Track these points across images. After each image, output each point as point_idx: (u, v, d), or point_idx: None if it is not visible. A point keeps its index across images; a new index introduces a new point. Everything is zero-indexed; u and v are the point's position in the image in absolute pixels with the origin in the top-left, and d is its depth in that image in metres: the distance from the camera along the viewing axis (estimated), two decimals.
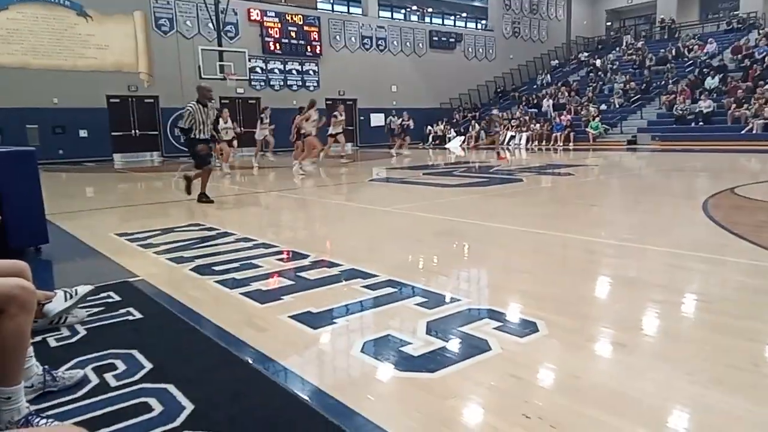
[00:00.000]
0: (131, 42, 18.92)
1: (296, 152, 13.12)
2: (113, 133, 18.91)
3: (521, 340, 2.50)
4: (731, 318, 2.75)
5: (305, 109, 12.29)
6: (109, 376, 2.22)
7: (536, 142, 22.62)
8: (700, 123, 18.69)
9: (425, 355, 2.35)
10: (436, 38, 27.84)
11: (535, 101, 26.24)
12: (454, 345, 2.47)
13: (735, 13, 28.11)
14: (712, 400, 1.95)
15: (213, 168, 7.98)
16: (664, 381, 2.09)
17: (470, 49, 29.48)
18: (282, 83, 22.68)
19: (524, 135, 23.37)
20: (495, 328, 2.63)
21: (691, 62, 24.17)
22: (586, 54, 30.77)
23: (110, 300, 3.20)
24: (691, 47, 25.38)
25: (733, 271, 3.67)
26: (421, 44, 27.40)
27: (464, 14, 30.90)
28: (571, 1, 33.16)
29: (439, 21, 29.58)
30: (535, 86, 29.02)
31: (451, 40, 28.58)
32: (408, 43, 27.00)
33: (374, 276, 3.53)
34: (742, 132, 16.97)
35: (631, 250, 4.33)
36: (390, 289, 3.26)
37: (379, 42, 25.95)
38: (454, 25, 30.17)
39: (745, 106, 17.86)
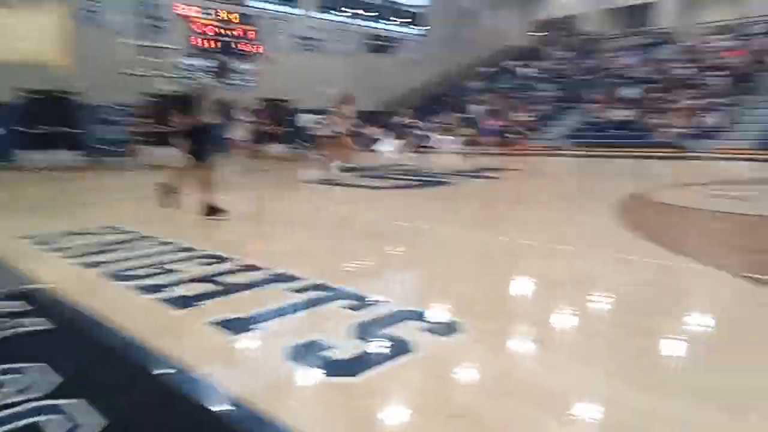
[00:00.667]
0: (51, 34, 17.74)
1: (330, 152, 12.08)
2: (24, 130, 17.62)
3: (445, 341, 2.54)
4: (640, 316, 2.92)
5: (338, 103, 11.51)
6: (11, 392, 2.05)
7: (466, 147, 23.19)
8: (619, 130, 19.85)
9: (350, 359, 2.34)
10: (372, 41, 28.02)
11: (465, 107, 26.93)
12: (379, 347, 2.48)
13: (651, 28, 30.07)
14: (623, 395, 2.05)
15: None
16: (585, 380, 2.19)
17: (406, 54, 29.86)
18: (215, 82, 22.01)
19: (454, 139, 23.91)
20: (420, 330, 2.65)
21: (611, 73, 25.62)
22: (514, 62, 31.92)
23: (15, 310, 2.98)
24: (611, 59, 26.91)
25: (642, 271, 3.90)
26: (356, 47, 27.48)
27: (400, 19, 31.26)
28: (499, 11, 34.31)
29: (376, 24, 29.77)
30: (466, 92, 29.79)
31: (388, 44, 28.87)
32: (343, 45, 27.00)
33: (301, 279, 3.48)
34: (656, 140, 18.16)
35: (550, 250, 4.52)
36: (317, 293, 3.23)
37: (315, 43, 25.78)
38: (389, 29, 30.45)
39: (660, 115, 19.15)
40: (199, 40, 21.39)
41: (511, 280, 3.71)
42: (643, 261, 4.13)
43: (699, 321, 2.95)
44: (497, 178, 10.89)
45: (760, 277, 3.46)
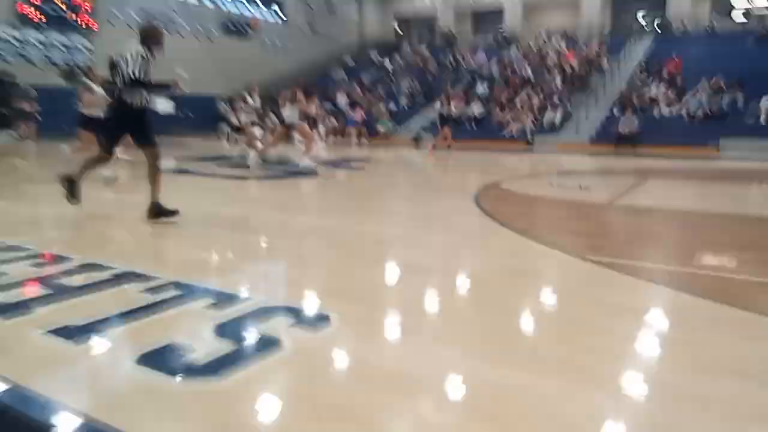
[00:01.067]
0: None
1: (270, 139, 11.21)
2: None
3: (314, 335, 2.46)
4: (496, 298, 3.09)
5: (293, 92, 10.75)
6: None
7: (331, 136, 23.24)
8: (473, 125, 21.17)
9: (213, 361, 2.17)
10: (230, 24, 26.78)
11: (331, 96, 26.94)
12: (245, 346, 2.34)
13: (501, 30, 32.47)
14: (490, 373, 2.14)
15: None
16: (446, 359, 2.25)
17: (266, 39, 29.02)
18: (44, 58, 19.51)
19: (321, 128, 23.82)
20: (288, 325, 2.55)
21: (465, 70, 27.21)
22: (377, 54, 32.57)
23: None
24: (465, 56, 28.58)
25: (498, 255, 4.16)
26: (213, 28, 26.10)
27: (259, 3, 30.26)
28: (362, 4, 34.77)
29: (233, 7, 28.50)
30: (331, 81, 29.79)
31: (246, 27, 27.79)
32: (199, 26, 25.49)
33: (155, 278, 3.18)
34: (505, 134, 19.65)
35: (415, 239, 4.64)
36: (174, 292, 2.97)
37: (166, 21, 23.99)
38: (250, 12, 29.36)
39: (507, 111, 20.74)
40: (27, 9, 18.81)
41: (378, 269, 3.74)
42: (498, 245, 4.41)
43: (545, 298, 3.20)
44: (362, 168, 11.01)
45: (593, 257, 3.86)
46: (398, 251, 4.29)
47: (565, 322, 2.74)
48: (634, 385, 2.11)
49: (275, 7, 30.66)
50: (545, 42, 27.61)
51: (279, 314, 2.68)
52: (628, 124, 17.57)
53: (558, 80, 22.89)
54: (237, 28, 27.31)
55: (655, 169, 11.11)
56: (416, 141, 19.71)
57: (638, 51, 25.22)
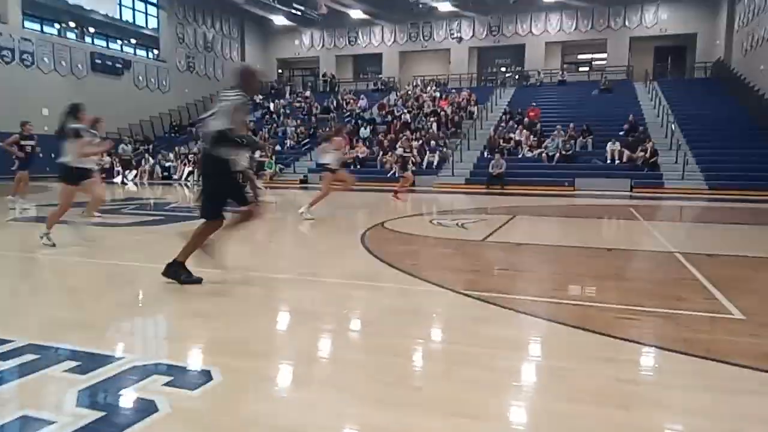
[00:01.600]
0: None
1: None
2: None
3: (194, 393, 2.32)
4: (384, 337, 3.13)
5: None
6: None
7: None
8: (358, 166, 21.62)
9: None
10: (99, 61, 25.27)
11: None
12: (113, 413, 2.13)
13: (379, 76, 33.91)
14: (376, 418, 2.14)
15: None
16: (335, 409, 2.21)
17: (141, 78, 27.74)
18: None
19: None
20: (164, 384, 2.38)
21: (348, 113, 27.91)
22: (261, 97, 32.40)
23: None
24: (348, 101, 29.36)
25: (386, 295, 4.23)
26: (80, 65, 24.47)
27: (133, 40, 28.98)
28: (244, 45, 34.64)
29: (104, 43, 27.01)
30: None
31: (118, 65, 26.40)
32: (64, 62, 23.77)
33: (7, 342, 2.82)
34: (388, 175, 20.29)
35: (303, 283, 4.59)
36: (30, 357, 2.65)
37: (25, 56, 22.12)
38: (122, 50, 27.96)
39: (390, 153, 21.50)
40: None
41: (267, 317, 3.63)
42: (384, 285, 4.49)
43: (429, 336, 3.30)
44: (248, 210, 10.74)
45: (473, 293, 4.07)
46: (286, 296, 4.21)
47: (449, 358, 2.84)
48: (517, 416, 2.22)
49: (151, 45, 29.53)
50: (421, 89, 29.27)
51: (153, 373, 2.49)
52: (498, 165, 19.04)
53: (434, 125, 24.26)
54: (108, 65, 25.83)
55: (522, 206, 12.05)
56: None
57: (503, 99, 27.56)
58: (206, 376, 2.48)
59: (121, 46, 28.30)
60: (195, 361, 2.76)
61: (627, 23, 29.52)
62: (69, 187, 6.05)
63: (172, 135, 27.87)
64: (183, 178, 22.95)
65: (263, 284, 4.52)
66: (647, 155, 18.84)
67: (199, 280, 4.26)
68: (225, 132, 3.96)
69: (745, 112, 21.29)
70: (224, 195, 4.28)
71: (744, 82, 23.39)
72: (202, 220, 4.34)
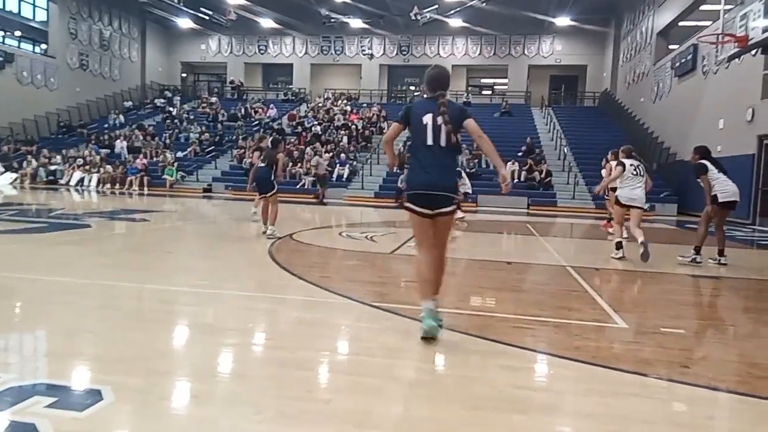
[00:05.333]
0: None
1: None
2: None
3: (81, 415, 2.13)
4: (290, 351, 3.07)
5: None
6: None
7: (108, 185, 21.10)
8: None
9: None
10: None
11: (108, 141, 24.60)
12: None
13: (289, 86, 33.58)
14: (274, 430, 2.08)
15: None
16: (238, 426, 2.13)
17: (25, 74, 25.47)
18: None
19: (95, 177, 21.49)
20: (47, 406, 2.17)
21: (257, 122, 27.34)
22: (162, 100, 30.90)
23: None
24: (256, 109, 28.77)
25: (292, 308, 4.16)
26: None
27: (18, 32, 26.61)
28: (145, 46, 32.93)
29: None
30: (106, 125, 27.23)
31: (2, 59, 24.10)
32: None
33: None
34: (297, 186, 20.07)
35: (205, 296, 4.40)
36: None
37: None
38: (3, 43, 25.57)
39: (299, 164, 21.28)
40: None
41: (162, 332, 3.43)
42: (292, 298, 4.42)
43: (336, 348, 3.28)
44: (147, 220, 10.17)
45: (380, 304, 4.11)
46: (186, 310, 4.01)
47: (356, 370, 2.84)
48: (422, 426, 2.26)
49: (38, 39, 27.29)
50: (333, 102, 29.39)
51: (34, 394, 2.27)
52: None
53: (345, 138, 24.40)
54: None
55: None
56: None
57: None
58: (96, 395, 2.29)
59: (3, 37, 25.87)
60: (83, 381, 2.55)
61: (526, 52, 31.57)
62: None
63: (60, 136, 25.81)
64: (73, 184, 21.29)
65: (160, 298, 4.28)
66: (542, 176, 20.15)
67: None
68: None
69: (627, 139, 23.45)
70: None
71: (627, 112, 25.78)
72: None
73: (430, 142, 3.37)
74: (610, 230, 8.56)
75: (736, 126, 15.47)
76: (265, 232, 7.96)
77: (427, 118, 3.38)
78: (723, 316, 4.49)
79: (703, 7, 18.99)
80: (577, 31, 29.41)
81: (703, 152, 7.17)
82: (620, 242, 7.25)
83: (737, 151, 15.20)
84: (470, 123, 3.39)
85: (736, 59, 13.64)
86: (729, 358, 3.31)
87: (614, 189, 8.05)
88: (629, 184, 7.16)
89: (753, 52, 11.98)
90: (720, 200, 6.84)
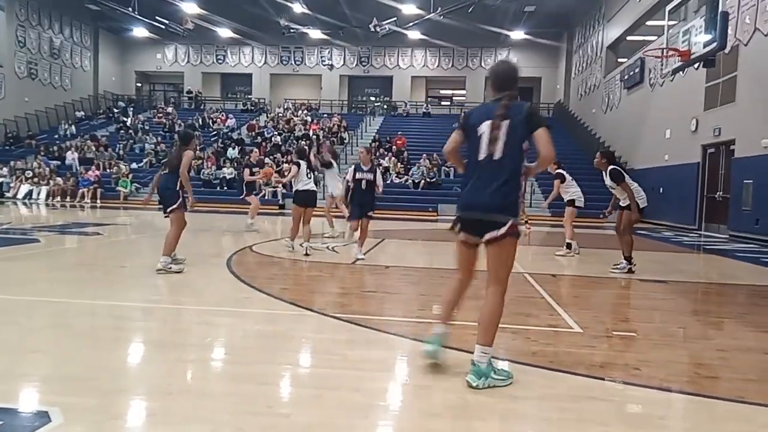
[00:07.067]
0: None
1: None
2: None
3: None
4: (250, 365, 3.02)
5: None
6: None
7: (59, 198, 20.33)
8: (225, 187, 20.89)
9: None
10: None
11: (58, 153, 23.75)
12: None
13: (249, 96, 33.22)
14: None
15: None
16: None
17: None
18: None
19: (44, 189, 20.68)
20: None
21: (215, 132, 26.91)
22: (117, 110, 30.11)
23: None
24: (215, 120, 28.33)
25: (252, 321, 4.10)
26: None
27: None
28: (98, 54, 32.03)
29: None
30: (57, 136, 26.30)
31: None
32: None
33: None
34: (259, 197, 19.83)
35: (161, 311, 4.29)
36: None
37: None
38: None
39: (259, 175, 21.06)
40: None
41: (115, 349, 3.31)
42: (252, 311, 4.35)
43: (297, 360, 3.25)
44: (100, 234, 9.84)
45: (341, 315, 4.10)
46: (141, 326, 3.89)
47: (317, 383, 2.81)
48: None
49: None
50: (293, 112, 29.24)
51: None
52: None
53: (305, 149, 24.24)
54: None
55: (390, 230, 12.45)
56: None
57: (372, 127, 28.46)
58: (43, 417, 2.20)
59: None
60: (30, 402, 2.44)
61: (483, 64, 32.21)
62: None
63: (7, 147, 24.77)
64: (21, 197, 20.42)
65: (114, 314, 4.14)
66: None
67: None
68: None
69: (580, 149, 24.17)
70: None
71: (580, 122, 26.61)
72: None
73: (482, 155, 2.89)
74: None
75: (682, 136, 16.17)
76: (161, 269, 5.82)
77: (484, 127, 2.90)
78: (672, 319, 4.67)
79: (649, 23, 19.84)
80: (532, 45, 30.24)
81: (611, 157, 7.17)
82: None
83: (683, 160, 15.88)
84: (541, 134, 2.85)
85: (681, 72, 14.29)
86: (678, 359, 3.44)
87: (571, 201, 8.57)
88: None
89: (695, 65, 12.58)
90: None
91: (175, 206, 5.99)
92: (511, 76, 3.02)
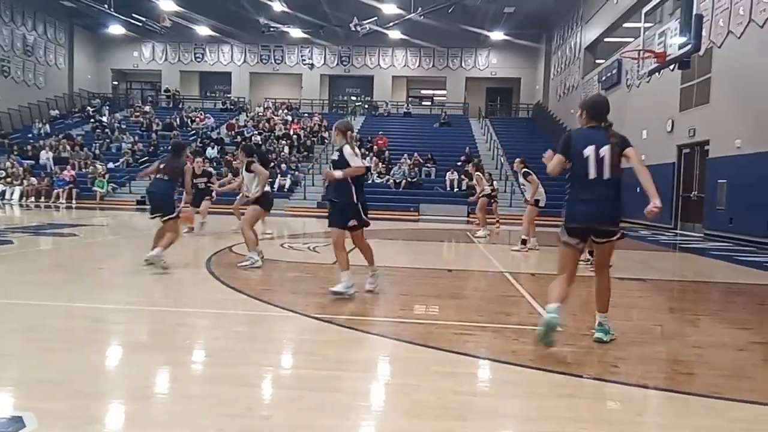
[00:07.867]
0: None
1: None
2: None
3: None
4: (229, 367, 2.99)
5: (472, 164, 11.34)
6: None
7: (33, 198, 19.91)
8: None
9: None
10: None
11: (32, 152, 23.26)
12: None
13: (228, 95, 32.90)
14: None
15: None
16: None
17: None
18: None
19: (17, 189, 20.24)
20: None
21: (194, 132, 26.60)
22: (92, 109, 29.59)
23: None
24: (193, 119, 28.00)
25: (232, 323, 4.05)
26: None
27: None
28: (73, 52, 31.43)
29: None
30: (30, 135, 25.76)
31: None
32: None
33: None
34: (239, 198, 19.65)
35: (139, 313, 4.22)
36: None
37: None
38: None
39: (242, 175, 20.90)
40: None
41: (91, 352, 3.25)
42: (233, 312, 4.31)
43: (280, 362, 3.23)
44: (76, 234, 9.65)
45: (322, 316, 4.08)
46: (119, 328, 3.83)
47: (298, 384, 2.80)
48: None
49: None
50: (273, 111, 29.04)
51: None
52: None
53: (286, 148, 24.16)
54: None
55: (371, 230, 12.41)
56: None
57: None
58: (17, 423, 2.15)
59: None
60: (3, 407, 2.38)
61: (463, 64, 32.39)
62: None
63: None
64: None
65: (90, 316, 4.07)
66: None
67: None
68: None
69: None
70: None
71: (558, 123, 26.90)
72: None
73: (593, 175, 3.44)
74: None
75: (658, 136, 16.46)
76: (148, 260, 5.94)
77: (589, 151, 3.44)
78: (649, 317, 4.75)
79: (626, 25, 20.14)
80: (511, 45, 30.49)
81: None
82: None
83: (660, 160, 16.16)
84: (632, 152, 3.47)
85: (657, 74, 14.54)
86: (656, 356, 3.50)
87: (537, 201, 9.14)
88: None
89: (671, 67, 12.80)
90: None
91: (173, 216, 6.25)
92: (608, 108, 3.63)
